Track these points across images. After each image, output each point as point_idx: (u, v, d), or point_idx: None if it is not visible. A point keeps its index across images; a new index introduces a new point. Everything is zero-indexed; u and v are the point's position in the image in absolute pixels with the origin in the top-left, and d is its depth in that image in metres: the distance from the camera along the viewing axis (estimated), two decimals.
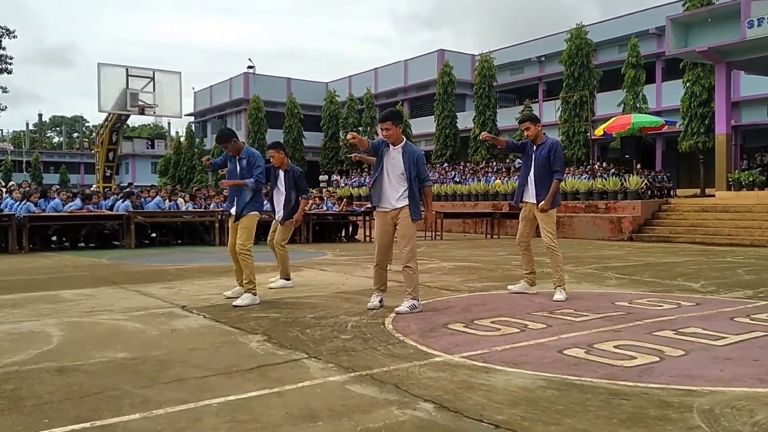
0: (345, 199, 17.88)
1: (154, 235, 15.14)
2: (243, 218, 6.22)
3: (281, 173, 7.41)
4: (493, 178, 23.17)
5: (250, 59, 72.87)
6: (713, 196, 19.01)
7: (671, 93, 26.18)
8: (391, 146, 5.69)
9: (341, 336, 4.61)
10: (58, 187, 17.55)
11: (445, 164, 28.77)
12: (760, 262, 10.41)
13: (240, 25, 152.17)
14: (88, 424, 2.81)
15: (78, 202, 13.90)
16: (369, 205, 18.68)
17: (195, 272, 9.00)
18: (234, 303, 6.00)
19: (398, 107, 34.90)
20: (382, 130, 5.71)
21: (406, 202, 5.64)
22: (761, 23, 16.83)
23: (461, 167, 26.69)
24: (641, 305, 5.97)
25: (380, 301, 5.82)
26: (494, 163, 26.31)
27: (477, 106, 30.05)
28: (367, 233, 16.44)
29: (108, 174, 27.52)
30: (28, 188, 16.79)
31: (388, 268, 7.81)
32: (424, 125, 35.50)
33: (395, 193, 5.67)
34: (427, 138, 35.37)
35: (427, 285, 7.42)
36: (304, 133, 39.57)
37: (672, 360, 3.90)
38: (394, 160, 5.65)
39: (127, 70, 26.09)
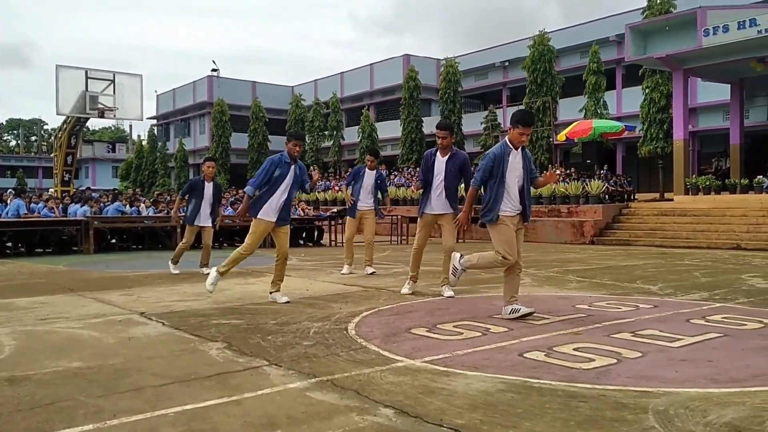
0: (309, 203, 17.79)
1: (114, 240, 14.84)
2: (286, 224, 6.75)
3: (209, 185, 9.17)
4: None
5: (214, 62, 72.14)
6: (672, 200, 19.43)
7: (631, 99, 26.67)
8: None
9: (303, 342, 4.57)
10: (12, 190, 16.99)
11: (411, 168, 28.82)
12: (716, 265, 10.68)
13: (205, 28, 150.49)
14: None
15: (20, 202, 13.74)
16: (335, 210, 18.65)
17: (155, 278, 8.85)
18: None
19: (364, 111, 34.95)
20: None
21: None
22: (716, 32, 17.30)
23: None
24: (601, 308, 6.06)
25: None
26: None
27: (442, 111, 30.24)
28: (333, 238, 16.37)
29: (66, 178, 26.85)
30: None
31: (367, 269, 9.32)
32: (390, 129, 35.54)
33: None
34: (393, 143, 35.45)
35: (390, 290, 7.44)
36: (269, 137, 39.22)
37: (629, 362, 3.97)
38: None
39: (86, 72, 25.48)
